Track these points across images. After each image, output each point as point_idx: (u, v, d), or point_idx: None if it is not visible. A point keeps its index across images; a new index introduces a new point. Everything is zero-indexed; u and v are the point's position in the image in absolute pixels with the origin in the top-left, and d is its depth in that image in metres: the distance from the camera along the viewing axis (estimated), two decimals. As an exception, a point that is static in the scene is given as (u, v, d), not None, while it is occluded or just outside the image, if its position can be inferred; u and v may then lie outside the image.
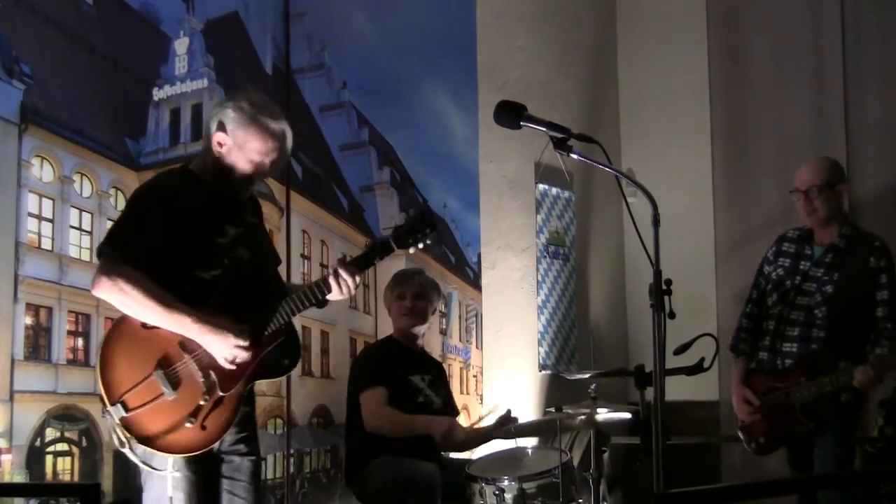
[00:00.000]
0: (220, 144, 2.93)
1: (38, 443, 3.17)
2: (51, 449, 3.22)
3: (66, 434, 3.26)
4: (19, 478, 3.10)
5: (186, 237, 2.84)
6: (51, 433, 3.21)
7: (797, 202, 4.02)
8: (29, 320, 3.19)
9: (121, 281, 2.73)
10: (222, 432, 2.85)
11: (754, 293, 4.20)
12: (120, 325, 2.79)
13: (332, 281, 2.96)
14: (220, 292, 2.86)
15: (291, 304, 2.93)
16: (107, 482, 3.33)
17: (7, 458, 3.08)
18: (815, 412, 3.86)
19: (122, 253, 2.76)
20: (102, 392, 2.71)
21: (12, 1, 3.21)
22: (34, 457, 3.16)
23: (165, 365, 2.78)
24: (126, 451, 2.76)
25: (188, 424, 2.77)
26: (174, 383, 2.77)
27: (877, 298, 3.88)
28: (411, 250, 3.09)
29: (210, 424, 2.80)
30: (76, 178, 3.37)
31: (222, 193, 2.98)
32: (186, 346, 2.81)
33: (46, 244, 3.26)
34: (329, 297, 2.99)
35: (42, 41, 3.31)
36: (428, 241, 3.06)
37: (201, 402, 2.79)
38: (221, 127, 2.92)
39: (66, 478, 3.26)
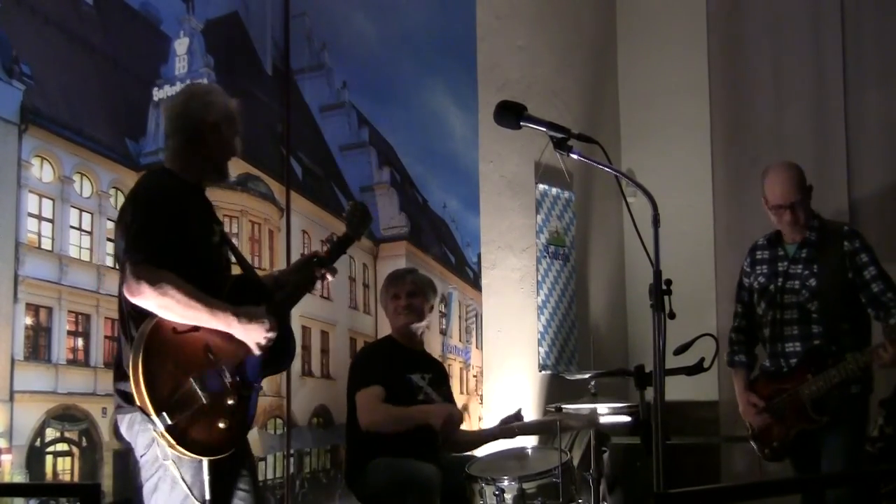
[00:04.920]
0: (204, 134, 2.96)
1: (38, 443, 3.17)
2: (51, 449, 3.22)
3: (66, 434, 3.26)
4: (19, 478, 3.09)
5: (192, 239, 2.87)
6: (51, 433, 3.21)
7: (779, 216, 4.00)
8: (29, 320, 3.18)
9: (165, 286, 2.71)
10: (245, 431, 2.91)
11: (739, 308, 4.21)
12: (155, 334, 2.73)
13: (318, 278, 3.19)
14: (230, 290, 2.93)
15: (295, 291, 3.12)
16: (107, 482, 3.33)
17: (7, 458, 3.07)
18: (826, 407, 3.86)
19: (157, 258, 2.75)
20: (147, 404, 2.65)
21: (12, 1, 3.21)
22: (34, 457, 3.16)
23: (199, 371, 2.77)
24: (169, 462, 2.75)
25: (221, 425, 2.78)
26: (208, 387, 2.77)
27: (865, 278, 3.90)
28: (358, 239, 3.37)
29: (236, 424, 2.84)
30: (76, 178, 3.37)
31: (202, 192, 3.04)
32: (212, 348, 2.82)
33: (46, 244, 3.26)
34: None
35: (42, 41, 3.31)
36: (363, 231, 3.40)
37: (230, 402, 2.82)
38: (206, 115, 2.95)
39: (66, 478, 3.26)
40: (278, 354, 3.02)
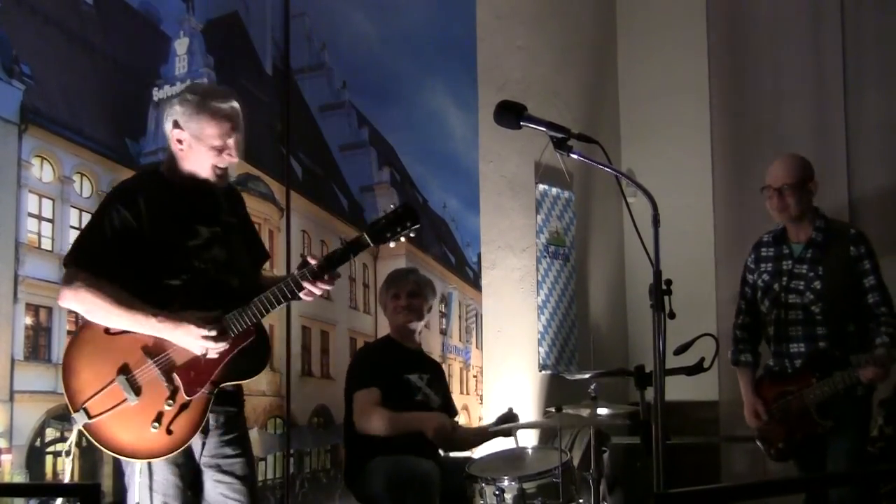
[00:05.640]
0: (179, 142, 2.92)
1: (38, 443, 3.17)
2: (51, 449, 3.22)
3: (66, 434, 3.26)
4: (19, 478, 3.09)
5: (152, 241, 2.83)
6: (51, 433, 3.21)
7: (768, 199, 4.02)
8: (29, 320, 3.18)
9: (82, 289, 2.76)
10: (189, 436, 2.83)
11: (742, 304, 4.19)
12: (82, 332, 2.83)
13: (305, 283, 2.89)
14: (186, 296, 2.84)
15: (260, 305, 2.88)
16: (107, 482, 3.32)
17: (7, 458, 3.07)
18: (831, 410, 3.86)
19: (83, 262, 2.80)
20: (66, 399, 2.75)
21: (12, 1, 3.21)
22: (34, 457, 3.16)
23: (128, 370, 2.79)
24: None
25: (153, 430, 2.77)
26: (136, 389, 2.78)
27: (865, 285, 3.90)
28: (392, 244, 2.98)
29: (177, 428, 2.80)
30: (76, 178, 3.37)
31: (193, 193, 2.96)
32: (150, 350, 2.81)
33: (46, 244, 3.26)
34: (302, 295, 2.93)
35: (42, 41, 3.31)
36: (411, 235, 2.97)
37: (165, 407, 2.80)
38: (175, 125, 2.92)
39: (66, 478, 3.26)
40: (245, 362, 2.91)
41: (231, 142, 2.93)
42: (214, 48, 3.88)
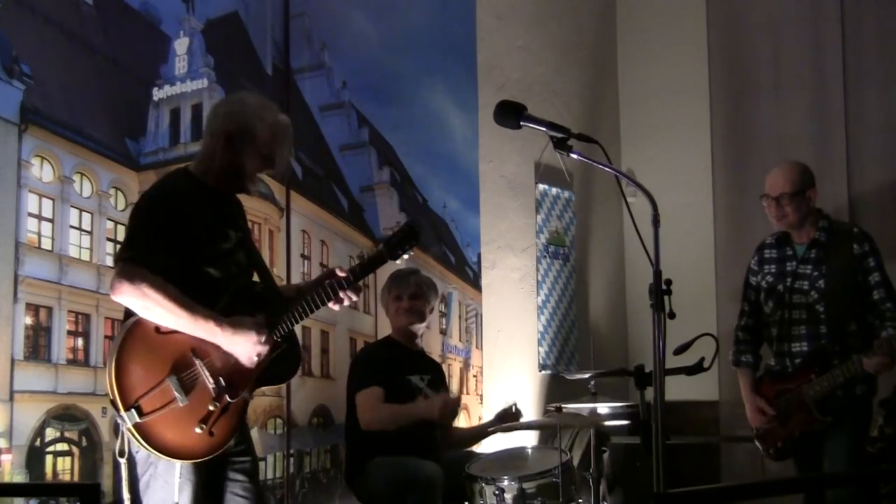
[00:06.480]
0: (229, 138, 2.92)
1: (38, 443, 3.17)
2: (51, 449, 3.22)
3: (66, 434, 3.26)
4: (19, 478, 3.10)
5: (196, 242, 2.85)
6: (51, 433, 3.21)
7: (767, 207, 4.02)
8: (29, 320, 3.18)
9: (144, 285, 2.71)
10: (229, 438, 2.85)
11: (746, 306, 4.19)
12: (134, 330, 2.75)
13: (340, 291, 3.00)
14: (229, 297, 2.87)
15: (301, 309, 2.95)
16: (107, 482, 3.33)
17: (7, 458, 3.08)
18: (831, 407, 3.86)
19: (142, 258, 2.75)
20: (116, 397, 2.67)
21: (12, 1, 3.21)
22: (34, 457, 3.16)
23: (178, 370, 2.76)
24: (123, 461, 2.77)
25: (198, 430, 2.76)
26: (187, 389, 2.76)
27: (870, 282, 3.89)
28: (398, 262, 3.16)
29: (217, 430, 2.81)
30: (76, 178, 3.37)
31: (222, 197, 3.00)
32: (198, 351, 2.80)
33: (46, 244, 3.26)
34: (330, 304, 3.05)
35: (42, 41, 3.31)
36: (411, 253, 3.16)
37: (211, 408, 2.79)
38: (230, 123, 2.92)
39: (66, 478, 3.26)
40: (279, 367, 2.96)
41: (277, 153, 2.97)
42: (214, 48, 3.88)
